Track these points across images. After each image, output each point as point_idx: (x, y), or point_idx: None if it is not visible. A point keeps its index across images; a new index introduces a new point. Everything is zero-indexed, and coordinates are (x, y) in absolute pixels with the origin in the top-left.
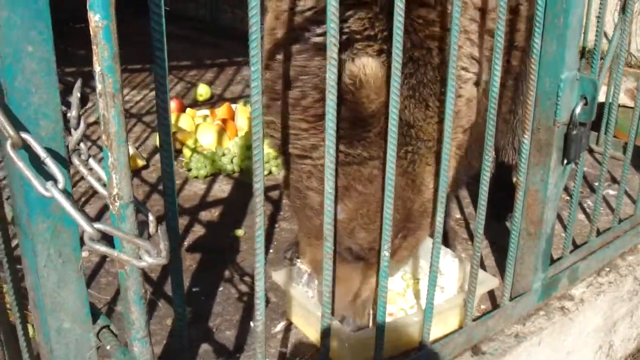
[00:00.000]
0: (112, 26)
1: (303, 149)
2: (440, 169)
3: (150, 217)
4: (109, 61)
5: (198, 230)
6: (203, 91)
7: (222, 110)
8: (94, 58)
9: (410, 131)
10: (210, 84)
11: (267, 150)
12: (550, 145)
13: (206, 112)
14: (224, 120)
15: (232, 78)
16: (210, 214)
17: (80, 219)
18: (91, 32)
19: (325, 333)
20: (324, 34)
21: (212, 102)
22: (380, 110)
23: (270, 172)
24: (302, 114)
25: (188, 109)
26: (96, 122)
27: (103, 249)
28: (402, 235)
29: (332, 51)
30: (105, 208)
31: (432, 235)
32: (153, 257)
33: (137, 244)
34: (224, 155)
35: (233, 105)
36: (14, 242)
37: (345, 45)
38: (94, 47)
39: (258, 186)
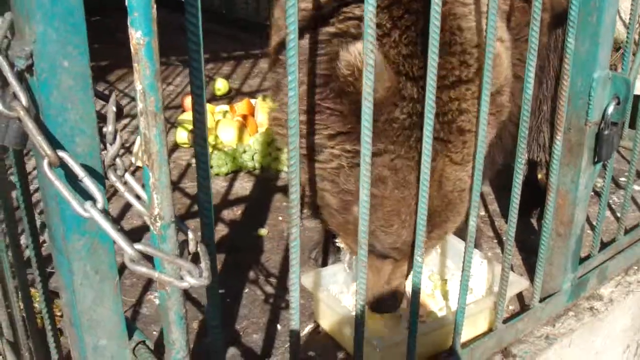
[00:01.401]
0: (154, 43)
1: (309, 148)
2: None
3: (190, 236)
4: (151, 79)
5: (221, 230)
6: (221, 85)
7: (241, 106)
8: (135, 76)
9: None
10: (227, 77)
11: None
12: (581, 145)
13: (225, 107)
14: (244, 116)
15: (249, 71)
16: (233, 213)
17: (121, 240)
18: (132, 49)
19: (360, 340)
20: (332, 25)
21: (230, 97)
22: (386, 97)
23: None
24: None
25: (207, 105)
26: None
27: (143, 270)
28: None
29: (370, 58)
30: (125, 209)
31: (458, 235)
32: (195, 278)
33: (179, 265)
34: (244, 152)
35: (252, 101)
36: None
37: (343, 32)
38: (134, 64)
39: (294, 197)
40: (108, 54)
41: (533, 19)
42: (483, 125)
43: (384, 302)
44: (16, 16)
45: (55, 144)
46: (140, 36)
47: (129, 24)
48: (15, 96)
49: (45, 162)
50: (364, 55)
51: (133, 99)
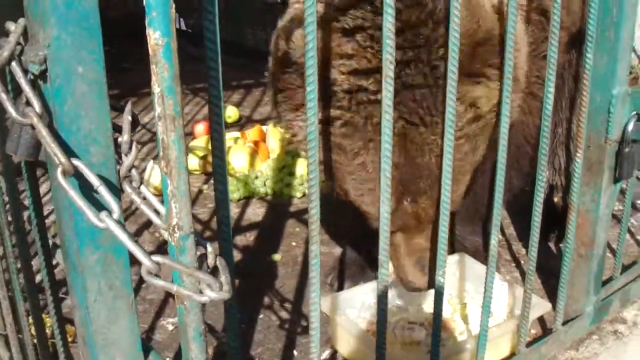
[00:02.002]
0: (173, 44)
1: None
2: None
3: (210, 249)
4: (169, 82)
5: (234, 255)
6: (231, 113)
7: (253, 132)
8: (153, 78)
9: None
10: (238, 105)
11: (302, 172)
12: (601, 163)
13: (236, 134)
14: (255, 142)
15: (259, 99)
16: (246, 238)
17: (138, 251)
18: (150, 51)
19: None
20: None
21: (240, 124)
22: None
23: (304, 194)
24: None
25: None
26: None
27: (161, 283)
28: (410, 199)
29: (389, 69)
30: (136, 235)
31: (475, 257)
32: (215, 292)
33: (199, 278)
34: (256, 177)
35: (264, 127)
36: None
37: None
38: (152, 66)
39: (314, 212)
40: (117, 83)
41: (552, 33)
42: (505, 123)
43: (414, 280)
44: (30, 21)
45: (69, 153)
46: (159, 37)
47: (147, 24)
48: (28, 103)
49: (59, 171)
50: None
51: (144, 126)
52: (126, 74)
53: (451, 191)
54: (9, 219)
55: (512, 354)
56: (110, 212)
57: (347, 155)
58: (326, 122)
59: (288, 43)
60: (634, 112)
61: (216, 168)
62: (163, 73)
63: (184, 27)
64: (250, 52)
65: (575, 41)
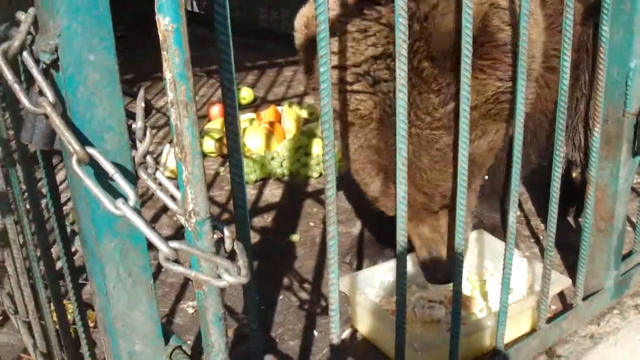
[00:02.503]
0: (183, 29)
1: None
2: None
3: (227, 233)
4: (181, 67)
5: (252, 237)
6: (246, 94)
7: (268, 113)
8: (164, 64)
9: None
10: (252, 86)
11: (318, 152)
12: (619, 137)
13: (252, 115)
14: (271, 123)
15: (274, 80)
16: (263, 220)
17: (155, 237)
18: (160, 37)
19: (401, 344)
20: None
21: (255, 105)
22: None
23: (321, 174)
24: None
25: None
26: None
27: (180, 269)
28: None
29: (402, 47)
30: (153, 221)
31: (493, 234)
32: (233, 276)
33: (216, 263)
34: (273, 159)
35: (279, 108)
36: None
37: None
38: (163, 52)
39: (330, 193)
40: (130, 68)
41: (567, 6)
42: (520, 108)
43: (435, 272)
44: (40, 10)
45: (83, 141)
46: (169, 22)
47: (156, 10)
48: (41, 93)
49: (74, 159)
50: None
51: (159, 110)
52: (140, 58)
53: (443, 179)
54: (28, 207)
55: (533, 330)
56: (126, 199)
57: (340, 136)
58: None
59: (309, 28)
60: None
61: (232, 152)
62: (174, 59)
63: (196, 9)
64: (263, 33)
65: (593, 13)
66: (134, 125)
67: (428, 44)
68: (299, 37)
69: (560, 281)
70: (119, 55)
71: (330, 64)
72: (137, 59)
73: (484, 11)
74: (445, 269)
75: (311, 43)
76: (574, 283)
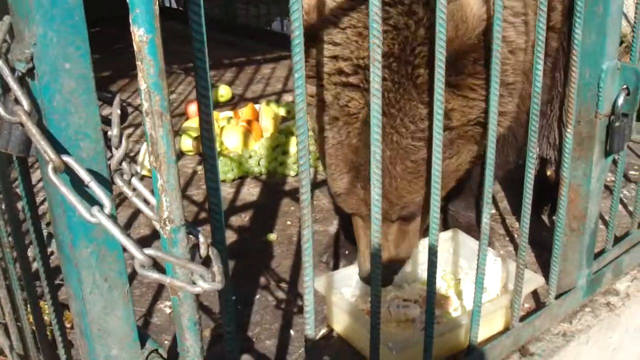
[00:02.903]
0: (157, 40)
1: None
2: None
3: (201, 239)
4: (155, 77)
5: (229, 236)
6: (224, 92)
7: (245, 112)
8: (139, 75)
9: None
10: (230, 84)
11: (296, 151)
12: (592, 138)
13: (229, 113)
14: (248, 122)
15: (252, 77)
16: (241, 219)
17: (130, 245)
18: (135, 47)
19: (376, 344)
20: None
21: (233, 103)
22: None
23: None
24: None
25: None
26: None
27: (155, 275)
28: (361, 185)
29: (376, 52)
30: (132, 219)
31: (470, 234)
32: (208, 282)
33: (191, 269)
34: (250, 157)
35: (256, 106)
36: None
37: None
38: (138, 63)
39: (305, 197)
40: (109, 64)
41: (540, 10)
42: (493, 117)
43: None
44: (15, 19)
45: (59, 149)
46: (143, 33)
47: (131, 21)
48: (17, 101)
49: (50, 168)
50: None
51: (136, 108)
52: (119, 55)
53: (409, 192)
54: (3, 208)
55: (506, 329)
56: (102, 207)
57: (318, 127)
58: (312, 97)
59: (308, 15)
60: (624, 86)
61: (207, 158)
62: (149, 69)
63: (174, 5)
64: (242, 29)
65: (569, 15)
66: (109, 132)
67: (430, 50)
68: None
69: (533, 280)
70: (95, 51)
71: (330, 54)
72: (115, 55)
73: (483, 26)
74: (386, 272)
75: (308, 30)
76: (547, 281)
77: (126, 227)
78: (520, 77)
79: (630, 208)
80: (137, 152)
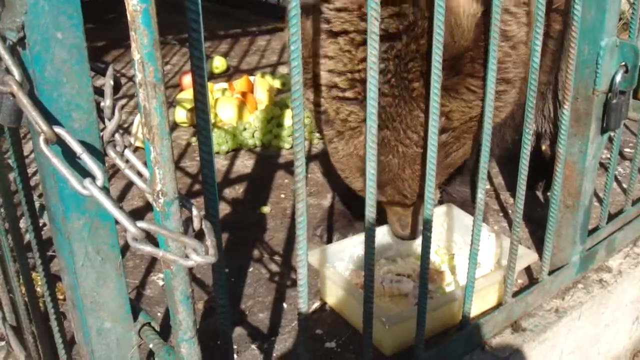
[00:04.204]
0: (151, 10)
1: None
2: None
3: (195, 212)
4: (149, 48)
5: (223, 208)
6: (219, 63)
7: (240, 83)
8: (132, 45)
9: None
10: (225, 55)
11: (290, 123)
12: (589, 115)
13: (224, 85)
14: (243, 94)
15: (247, 49)
16: (235, 191)
17: (123, 217)
18: (129, 17)
19: (369, 317)
20: None
21: (228, 75)
22: None
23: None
24: None
25: None
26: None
27: (148, 249)
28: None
29: (373, 41)
30: (125, 191)
31: (464, 209)
32: (201, 256)
33: (184, 243)
34: (245, 129)
35: (251, 78)
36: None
37: None
38: (131, 33)
39: (299, 170)
40: (103, 34)
41: None
42: (489, 105)
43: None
44: None
45: (51, 120)
46: (137, 3)
47: None
48: (7, 71)
49: (41, 139)
50: None
51: (130, 79)
52: (113, 25)
53: (418, 187)
54: None
55: (499, 304)
56: (94, 179)
57: (325, 138)
58: (315, 106)
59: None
60: (622, 63)
61: (200, 129)
62: (142, 40)
63: None
64: (238, 0)
65: None
66: (102, 103)
67: (421, 63)
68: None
69: (527, 256)
70: (89, 20)
71: (325, 68)
72: (109, 24)
73: (476, 23)
74: (412, 230)
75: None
76: (540, 258)
77: (119, 199)
78: (521, 68)
79: (625, 185)
80: (131, 124)
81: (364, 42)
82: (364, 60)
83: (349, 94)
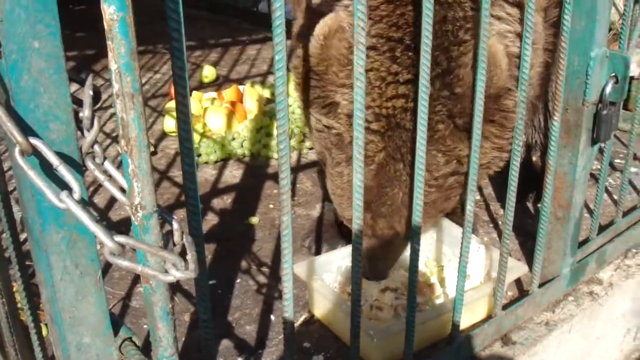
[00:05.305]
0: (128, 19)
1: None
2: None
3: (175, 226)
4: (127, 58)
5: (211, 219)
6: (208, 72)
7: (229, 93)
8: (110, 54)
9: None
10: (215, 64)
11: None
12: (579, 126)
13: (213, 94)
14: (232, 103)
15: (237, 58)
16: (223, 201)
17: (99, 231)
18: (105, 26)
19: (356, 331)
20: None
21: (218, 84)
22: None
23: None
24: None
25: (194, 92)
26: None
27: (125, 264)
28: (370, 216)
29: (360, 35)
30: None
31: (453, 220)
32: (181, 271)
33: (164, 257)
34: (233, 139)
35: (240, 87)
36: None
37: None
38: (108, 42)
39: (284, 182)
40: (93, 43)
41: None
42: (477, 126)
43: (371, 269)
44: None
45: (28, 131)
46: (114, 11)
47: None
48: None
49: (17, 150)
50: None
51: None
52: (102, 33)
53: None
54: None
55: (489, 317)
56: (71, 191)
57: (332, 160)
58: (327, 127)
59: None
60: (612, 74)
61: (182, 140)
62: (120, 49)
63: None
64: (229, 9)
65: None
66: (81, 114)
67: (452, 106)
68: (315, 44)
69: (517, 268)
70: (79, 29)
71: (350, 98)
72: (100, 33)
73: (506, 74)
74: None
75: (324, 50)
76: (530, 270)
77: (107, 209)
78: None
79: (615, 197)
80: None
81: (394, 81)
82: (393, 97)
83: (374, 126)
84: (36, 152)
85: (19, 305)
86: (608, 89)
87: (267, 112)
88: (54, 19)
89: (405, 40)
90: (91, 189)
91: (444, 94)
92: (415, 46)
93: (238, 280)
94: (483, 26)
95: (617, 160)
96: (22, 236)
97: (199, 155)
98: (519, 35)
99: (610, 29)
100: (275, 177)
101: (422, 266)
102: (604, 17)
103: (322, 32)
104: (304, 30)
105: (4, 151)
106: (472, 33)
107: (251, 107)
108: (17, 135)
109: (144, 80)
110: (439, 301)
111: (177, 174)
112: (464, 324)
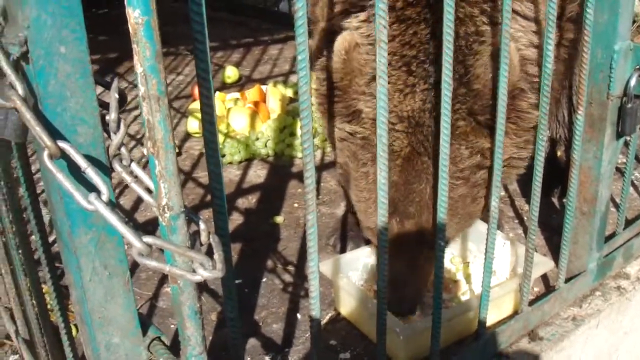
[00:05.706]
0: (153, 22)
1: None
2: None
3: (202, 226)
4: (152, 61)
5: (236, 219)
6: (231, 73)
7: (252, 93)
8: (135, 58)
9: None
10: (237, 65)
11: None
12: (603, 120)
13: (236, 95)
14: (255, 103)
15: (259, 58)
16: (247, 201)
17: (128, 232)
18: (130, 30)
19: (382, 328)
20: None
21: (240, 84)
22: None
23: None
24: None
25: (217, 93)
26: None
27: (154, 264)
28: (397, 219)
29: (381, 32)
30: (139, 201)
31: (484, 219)
32: (208, 270)
33: (191, 257)
34: (257, 139)
35: (263, 87)
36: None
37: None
38: (134, 46)
39: (309, 182)
40: (116, 46)
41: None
42: (501, 121)
43: (399, 303)
44: (8, 1)
45: (55, 135)
46: (139, 15)
47: (125, 3)
48: (11, 86)
49: (45, 154)
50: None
51: None
52: (126, 36)
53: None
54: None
55: (515, 313)
56: (99, 193)
57: (357, 162)
58: (351, 134)
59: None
60: (637, 66)
61: (207, 141)
62: (145, 52)
63: None
64: (250, 10)
65: None
66: (107, 117)
67: (471, 104)
68: (337, 59)
69: (543, 263)
70: (102, 32)
71: (373, 105)
72: (122, 36)
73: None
74: (411, 301)
75: (346, 64)
76: (557, 265)
77: (133, 210)
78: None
79: None
80: (143, 135)
81: (412, 92)
82: (412, 103)
83: (398, 127)
84: (64, 155)
85: (48, 306)
86: (632, 82)
87: (290, 111)
88: (80, 25)
89: (420, 56)
90: (117, 190)
91: (461, 91)
92: (429, 59)
93: (264, 279)
94: (504, 21)
95: None
96: (51, 238)
97: (223, 156)
98: (533, 37)
99: (634, 22)
100: (299, 176)
101: (447, 263)
102: (627, 9)
103: (342, 47)
104: (320, 51)
105: (32, 154)
106: (487, 43)
107: (274, 106)
108: (46, 139)
109: (167, 82)
110: (464, 298)
111: (201, 174)
112: (490, 320)
